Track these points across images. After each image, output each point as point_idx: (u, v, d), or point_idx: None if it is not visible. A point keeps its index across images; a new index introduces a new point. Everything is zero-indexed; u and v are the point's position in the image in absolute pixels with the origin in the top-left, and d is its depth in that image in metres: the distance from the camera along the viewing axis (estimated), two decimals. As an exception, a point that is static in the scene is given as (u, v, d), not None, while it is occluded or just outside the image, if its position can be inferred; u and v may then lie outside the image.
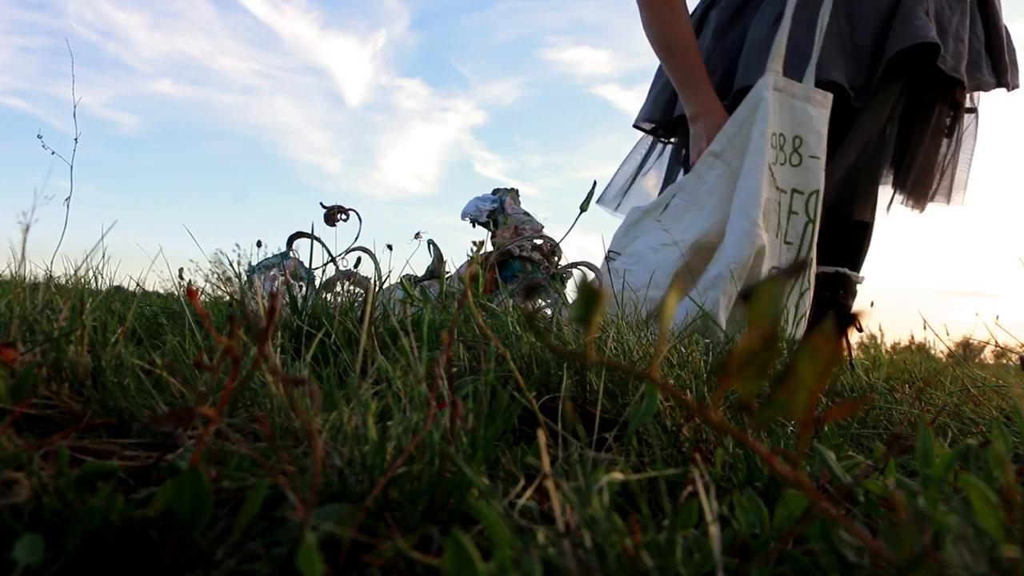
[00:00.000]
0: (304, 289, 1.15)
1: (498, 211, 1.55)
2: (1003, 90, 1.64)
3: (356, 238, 1.36)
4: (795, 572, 0.38)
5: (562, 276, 1.38)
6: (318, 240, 1.30)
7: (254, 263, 1.34)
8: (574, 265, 1.42)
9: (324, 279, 1.27)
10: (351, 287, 1.26)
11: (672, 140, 1.91)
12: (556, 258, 1.47)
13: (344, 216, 1.40)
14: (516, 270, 1.47)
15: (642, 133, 1.95)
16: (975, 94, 1.71)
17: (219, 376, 0.59)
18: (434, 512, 0.44)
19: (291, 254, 1.34)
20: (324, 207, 1.41)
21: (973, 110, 1.72)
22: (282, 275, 1.28)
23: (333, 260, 1.30)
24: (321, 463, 0.39)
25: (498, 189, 1.61)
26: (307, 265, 1.28)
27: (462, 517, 0.45)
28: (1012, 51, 1.66)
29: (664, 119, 1.83)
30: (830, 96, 1.51)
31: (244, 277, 1.30)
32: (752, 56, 1.59)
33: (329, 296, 1.20)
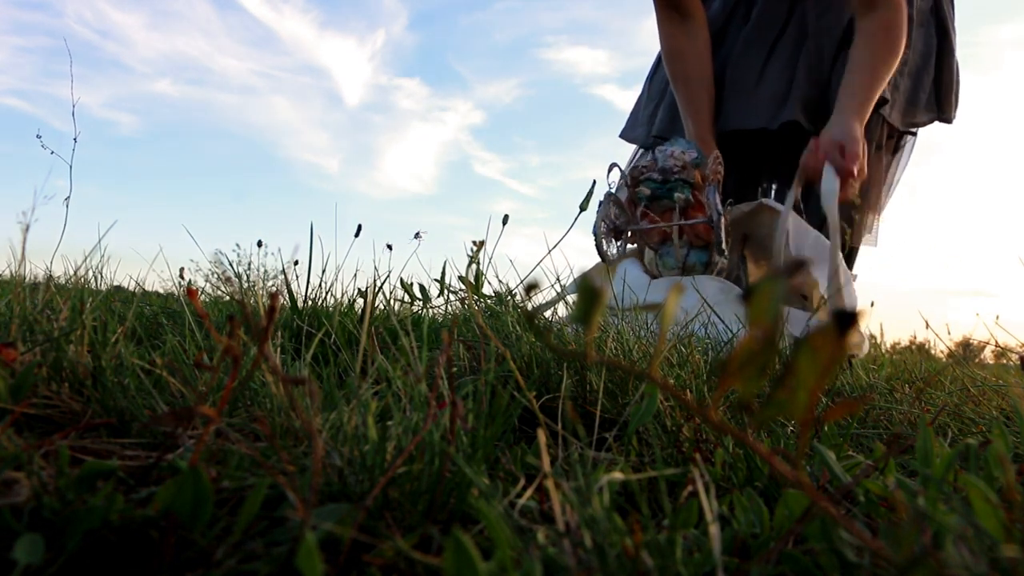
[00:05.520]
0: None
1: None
2: (943, 124, 1.80)
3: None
4: (795, 572, 0.38)
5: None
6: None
7: (255, 263, 1.33)
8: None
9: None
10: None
11: None
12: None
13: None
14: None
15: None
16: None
17: (219, 376, 0.60)
18: (434, 512, 0.44)
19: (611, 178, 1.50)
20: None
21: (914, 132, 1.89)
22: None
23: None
24: (321, 463, 0.39)
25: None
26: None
27: (462, 517, 0.45)
28: (958, 87, 1.81)
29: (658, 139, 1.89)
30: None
31: (244, 276, 1.30)
32: (743, 99, 1.67)
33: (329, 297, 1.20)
